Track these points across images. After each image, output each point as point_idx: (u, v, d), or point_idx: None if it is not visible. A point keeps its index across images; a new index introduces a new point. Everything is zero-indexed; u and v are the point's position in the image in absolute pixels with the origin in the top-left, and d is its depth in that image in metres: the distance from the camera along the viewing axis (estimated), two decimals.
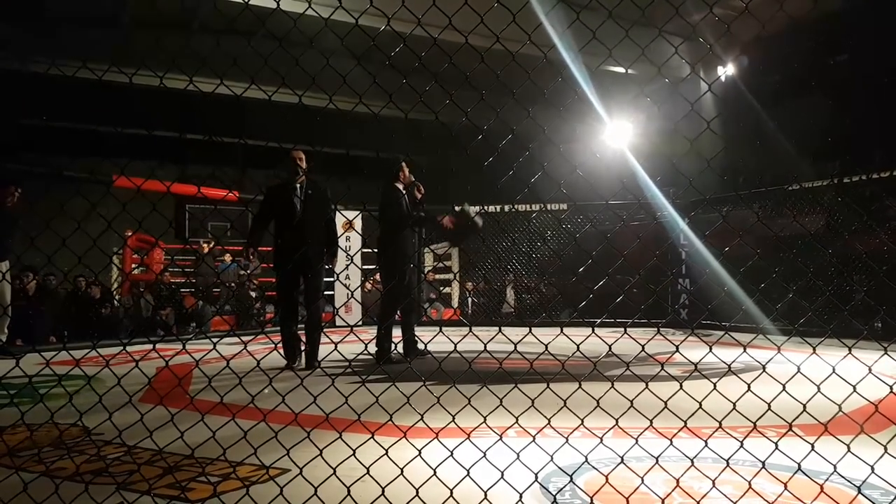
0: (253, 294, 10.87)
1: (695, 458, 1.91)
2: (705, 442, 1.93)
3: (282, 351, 5.30)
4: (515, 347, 2.01)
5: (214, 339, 2.17)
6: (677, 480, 1.85)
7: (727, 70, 12.63)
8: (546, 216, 10.65)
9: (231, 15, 9.49)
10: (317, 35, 2.38)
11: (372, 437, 2.01)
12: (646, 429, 2.00)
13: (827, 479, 1.85)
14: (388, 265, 5.75)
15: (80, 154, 12.92)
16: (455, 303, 12.63)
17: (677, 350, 2.01)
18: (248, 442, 2.02)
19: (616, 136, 12.58)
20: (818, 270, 7.30)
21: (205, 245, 11.50)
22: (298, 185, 5.34)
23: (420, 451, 1.91)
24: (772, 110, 11.38)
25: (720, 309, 6.90)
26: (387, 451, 1.93)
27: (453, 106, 2.11)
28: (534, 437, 1.95)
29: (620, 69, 12.57)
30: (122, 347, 2.38)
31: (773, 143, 10.62)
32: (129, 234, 9.03)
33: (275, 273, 5.76)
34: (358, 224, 10.42)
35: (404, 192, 5.82)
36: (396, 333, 5.80)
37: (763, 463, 1.83)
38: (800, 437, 1.91)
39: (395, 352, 5.44)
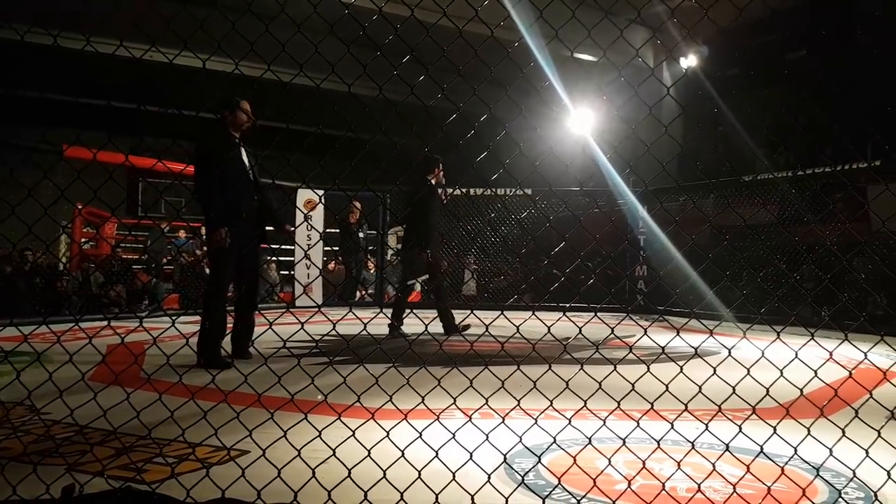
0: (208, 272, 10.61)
1: (661, 440, 1.93)
2: (671, 424, 1.95)
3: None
4: (487, 329, 1.99)
5: (173, 317, 2.09)
6: (643, 462, 1.87)
7: (689, 61, 12.82)
8: (512, 201, 10.66)
9: None
10: (287, 2, 2.28)
11: (339, 418, 1.97)
12: (613, 411, 2.00)
13: (787, 462, 1.89)
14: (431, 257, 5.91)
15: (27, 122, 12.35)
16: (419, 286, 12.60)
17: (645, 333, 2.02)
18: (209, 422, 1.96)
19: (578, 124, 12.66)
20: (772, 260, 7.50)
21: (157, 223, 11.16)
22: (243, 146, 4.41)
23: (388, 433, 1.87)
24: (730, 102, 11.63)
25: (676, 296, 7.05)
26: (354, 432, 1.89)
27: (422, 86, 2.06)
28: (503, 419, 1.94)
29: (584, 57, 12.65)
30: (74, 323, 2.27)
31: (730, 133, 10.87)
32: (80, 206, 8.68)
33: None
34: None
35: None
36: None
37: (727, 446, 1.86)
38: (762, 420, 1.94)
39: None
